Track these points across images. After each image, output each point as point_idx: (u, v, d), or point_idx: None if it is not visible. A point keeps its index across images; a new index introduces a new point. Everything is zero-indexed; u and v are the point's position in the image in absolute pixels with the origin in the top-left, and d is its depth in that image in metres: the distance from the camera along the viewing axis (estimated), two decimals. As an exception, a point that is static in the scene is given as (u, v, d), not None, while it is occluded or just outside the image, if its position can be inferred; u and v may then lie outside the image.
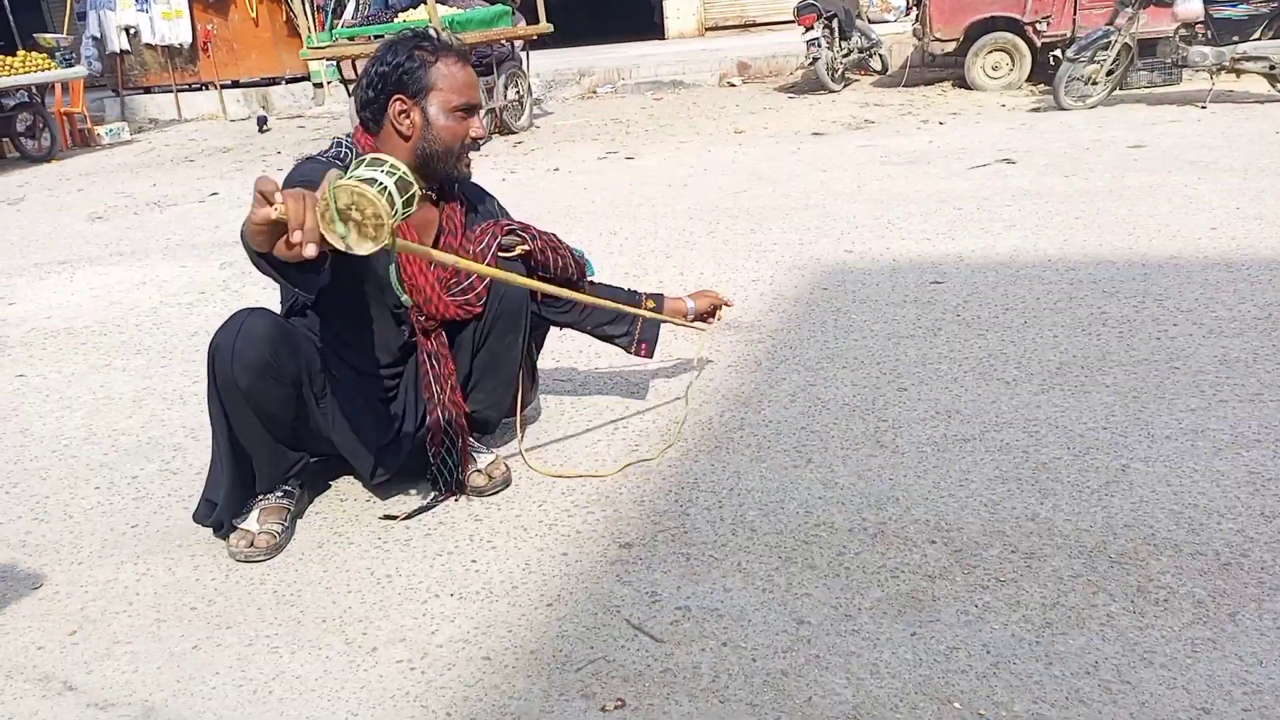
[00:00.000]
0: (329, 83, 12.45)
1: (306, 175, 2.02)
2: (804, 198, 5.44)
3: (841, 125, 8.13)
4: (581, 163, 7.36)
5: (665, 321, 2.64)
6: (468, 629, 1.86)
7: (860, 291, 3.72)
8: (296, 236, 1.49)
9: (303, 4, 8.71)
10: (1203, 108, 7.21)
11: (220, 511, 2.19)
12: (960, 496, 2.20)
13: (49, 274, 5.28)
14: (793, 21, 10.23)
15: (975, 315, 3.34)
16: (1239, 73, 7.22)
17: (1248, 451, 2.28)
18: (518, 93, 9.32)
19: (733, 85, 11.64)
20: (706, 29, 16.58)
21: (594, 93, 12.11)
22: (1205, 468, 2.23)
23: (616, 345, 2.69)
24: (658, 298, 2.67)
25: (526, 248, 2.31)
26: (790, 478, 2.36)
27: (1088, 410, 2.56)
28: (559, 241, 2.42)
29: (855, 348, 3.13)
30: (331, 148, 2.21)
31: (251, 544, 2.14)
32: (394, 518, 2.28)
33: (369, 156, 1.63)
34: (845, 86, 10.35)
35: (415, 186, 1.61)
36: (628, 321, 2.61)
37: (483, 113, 2.30)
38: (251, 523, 2.17)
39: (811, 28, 9.77)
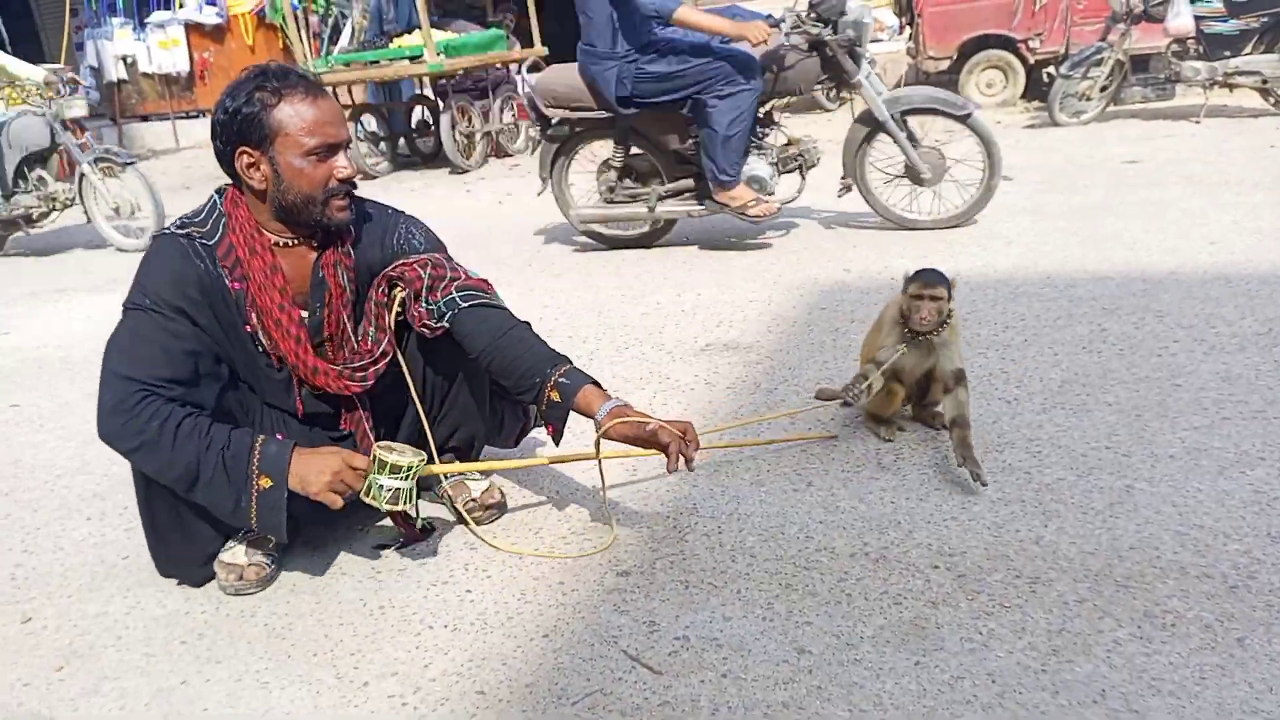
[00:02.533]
0: (326, 108, 12.47)
1: (163, 276, 1.94)
2: (799, 216, 5.42)
3: (836, 143, 8.11)
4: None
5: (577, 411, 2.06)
6: (461, 662, 1.82)
7: (859, 311, 3.70)
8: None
9: (298, 30, 8.75)
10: (1197, 122, 7.22)
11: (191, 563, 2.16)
12: (963, 520, 2.16)
13: (45, 303, 5.26)
14: (787, 41, 10.26)
15: (975, 333, 3.32)
16: (1232, 87, 7.23)
17: (1252, 470, 2.25)
18: (513, 116, 9.35)
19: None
20: (702, 50, 16.62)
21: (590, 114, 12.12)
22: (1210, 487, 2.20)
23: (522, 403, 2.36)
24: (567, 385, 2.01)
25: (402, 293, 2.12)
26: (790, 502, 2.32)
27: (1090, 429, 2.53)
28: (458, 270, 2.16)
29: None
30: (200, 212, 2.05)
31: (241, 576, 2.11)
32: (386, 547, 2.25)
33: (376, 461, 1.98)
34: (841, 105, 10.37)
35: (415, 462, 2.01)
36: (534, 386, 2.06)
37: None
38: (239, 555, 2.13)
39: (806, 48, 9.80)
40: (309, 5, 12.58)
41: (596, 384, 2.04)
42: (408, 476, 1.99)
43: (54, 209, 6.50)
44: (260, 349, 2.07)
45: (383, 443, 2.04)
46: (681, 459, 1.94)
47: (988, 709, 1.59)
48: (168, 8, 12.96)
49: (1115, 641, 1.72)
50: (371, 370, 2.13)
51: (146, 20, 12.81)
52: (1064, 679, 1.64)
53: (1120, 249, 4.13)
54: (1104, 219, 4.67)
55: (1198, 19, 7.05)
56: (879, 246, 4.59)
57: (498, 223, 6.17)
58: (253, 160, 1.95)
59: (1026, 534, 2.08)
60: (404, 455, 1.98)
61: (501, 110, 9.05)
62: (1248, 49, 7.05)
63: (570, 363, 2.08)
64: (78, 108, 6.61)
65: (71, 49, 13.54)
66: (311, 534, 2.35)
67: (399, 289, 2.12)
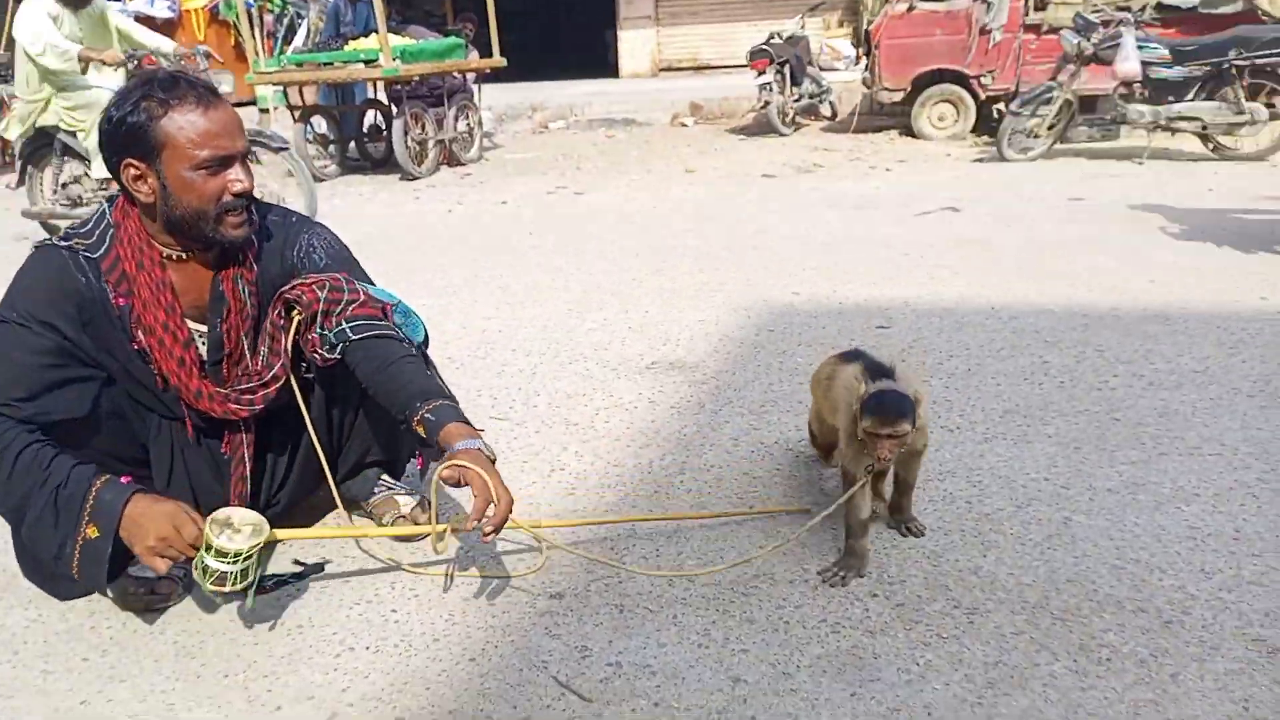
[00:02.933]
0: (275, 108, 12.26)
1: (37, 289, 1.84)
2: (752, 239, 5.43)
3: (791, 168, 8.20)
4: (530, 197, 7.30)
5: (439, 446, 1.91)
6: (382, 686, 1.74)
7: (806, 334, 3.69)
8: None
9: (251, 29, 8.58)
10: (1140, 163, 7.40)
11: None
12: (903, 548, 2.14)
13: None
14: (745, 65, 10.35)
15: (920, 361, 3.32)
16: (1174, 131, 7.44)
17: (1187, 506, 2.26)
18: (468, 125, 9.27)
19: (685, 125, 11.71)
20: (660, 69, 16.75)
21: (546, 127, 12.10)
22: (1146, 522, 2.20)
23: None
24: (432, 421, 1.88)
25: (300, 316, 2.00)
26: (730, 525, 2.28)
27: (1030, 460, 2.53)
28: (356, 292, 2.03)
29: (800, 391, 3.08)
30: (88, 223, 1.95)
31: (152, 591, 1.99)
32: (306, 566, 2.14)
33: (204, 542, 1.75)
34: (795, 130, 10.47)
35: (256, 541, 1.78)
36: (406, 419, 1.95)
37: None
38: (149, 569, 2.01)
39: (764, 72, 9.89)
40: (264, 4, 12.41)
41: (466, 423, 1.91)
42: (237, 560, 1.76)
43: None
44: (150, 366, 1.95)
45: (223, 512, 1.80)
46: (485, 522, 1.80)
47: (922, 744, 1.56)
48: (117, -1, 12.67)
49: (1051, 675, 1.70)
50: (260, 394, 2.00)
51: (94, 11, 12.48)
52: (1000, 712, 1.61)
53: (1063, 284, 4.19)
54: (1047, 254, 4.74)
55: (1144, 64, 7.24)
56: (828, 271, 4.60)
57: (446, 231, 6.08)
58: (139, 173, 1.83)
59: (965, 564, 2.06)
60: (236, 539, 1.75)
61: (456, 118, 8.96)
62: (1190, 95, 7.26)
63: (446, 399, 1.96)
64: (225, 83, 5.95)
65: (10, 38, 13.15)
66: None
67: (296, 311, 1.99)
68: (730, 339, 3.69)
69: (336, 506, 2.17)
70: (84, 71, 5.57)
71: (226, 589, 1.76)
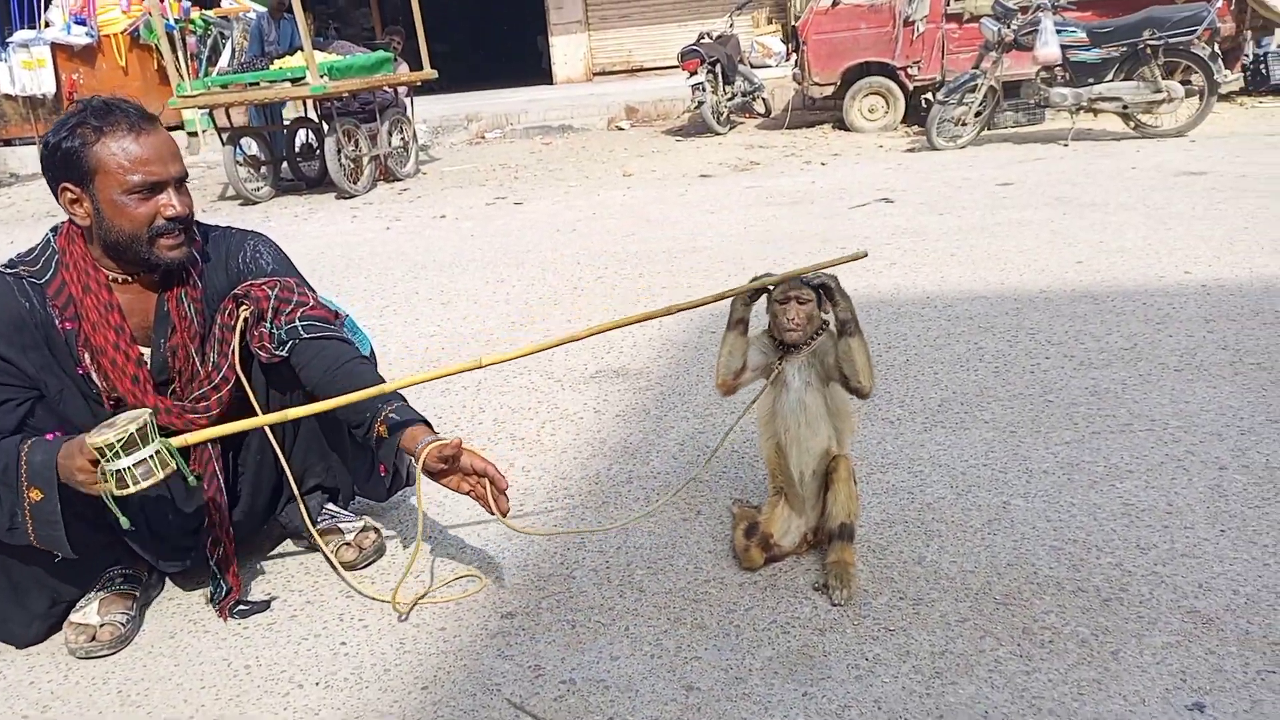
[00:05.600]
0: (204, 131, 12.04)
1: None
2: (692, 240, 5.46)
3: (728, 167, 8.26)
4: (469, 209, 7.25)
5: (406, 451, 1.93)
6: (333, 721, 1.72)
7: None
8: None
9: (173, 51, 8.41)
10: (1065, 145, 7.58)
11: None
12: (848, 543, 2.17)
13: None
14: (678, 66, 10.40)
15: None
16: (1096, 112, 7.64)
17: (1121, 483, 2.33)
18: (402, 139, 9.18)
19: (621, 129, 11.73)
20: (594, 74, 16.75)
21: (482, 138, 12.04)
22: (1082, 501, 2.26)
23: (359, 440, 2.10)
24: (396, 420, 1.91)
25: (247, 312, 2.00)
26: (679, 532, 2.29)
27: (968, 447, 2.58)
28: (306, 295, 2.08)
29: (744, 393, 3.09)
30: (34, 250, 1.97)
31: (93, 638, 1.95)
32: (251, 603, 2.11)
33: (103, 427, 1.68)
34: (731, 129, 10.55)
35: (142, 423, 1.68)
36: (364, 421, 1.96)
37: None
38: (91, 615, 1.98)
39: (695, 72, 9.95)
40: (186, 26, 12.15)
41: (427, 423, 1.95)
42: (121, 453, 1.66)
43: None
44: (95, 391, 1.95)
45: (104, 424, 1.71)
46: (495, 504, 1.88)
47: (874, 738, 1.58)
48: (32, 26, 12.33)
49: (996, 661, 1.74)
50: (214, 398, 2.01)
51: (9, 39, 12.13)
52: (948, 702, 1.64)
53: (994, 269, 4.27)
54: (979, 240, 4.83)
55: (1064, 48, 7.42)
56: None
57: (385, 248, 6.01)
58: (75, 197, 1.89)
59: (909, 554, 2.10)
60: (113, 428, 1.65)
61: (390, 133, 8.87)
62: (1109, 76, 7.46)
63: (404, 400, 1.98)
64: None
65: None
66: (170, 588, 2.21)
67: (244, 308, 2.01)
68: (673, 343, 3.71)
69: (282, 540, 2.14)
70: None
71: (132, 488, 1.68)
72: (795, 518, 2.07)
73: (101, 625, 1.97)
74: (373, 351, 2.26)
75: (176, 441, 1.76)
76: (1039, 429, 2.65)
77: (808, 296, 1.98)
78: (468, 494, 1.91)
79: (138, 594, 2.08)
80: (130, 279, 1.99)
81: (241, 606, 2.08)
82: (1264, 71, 9.20)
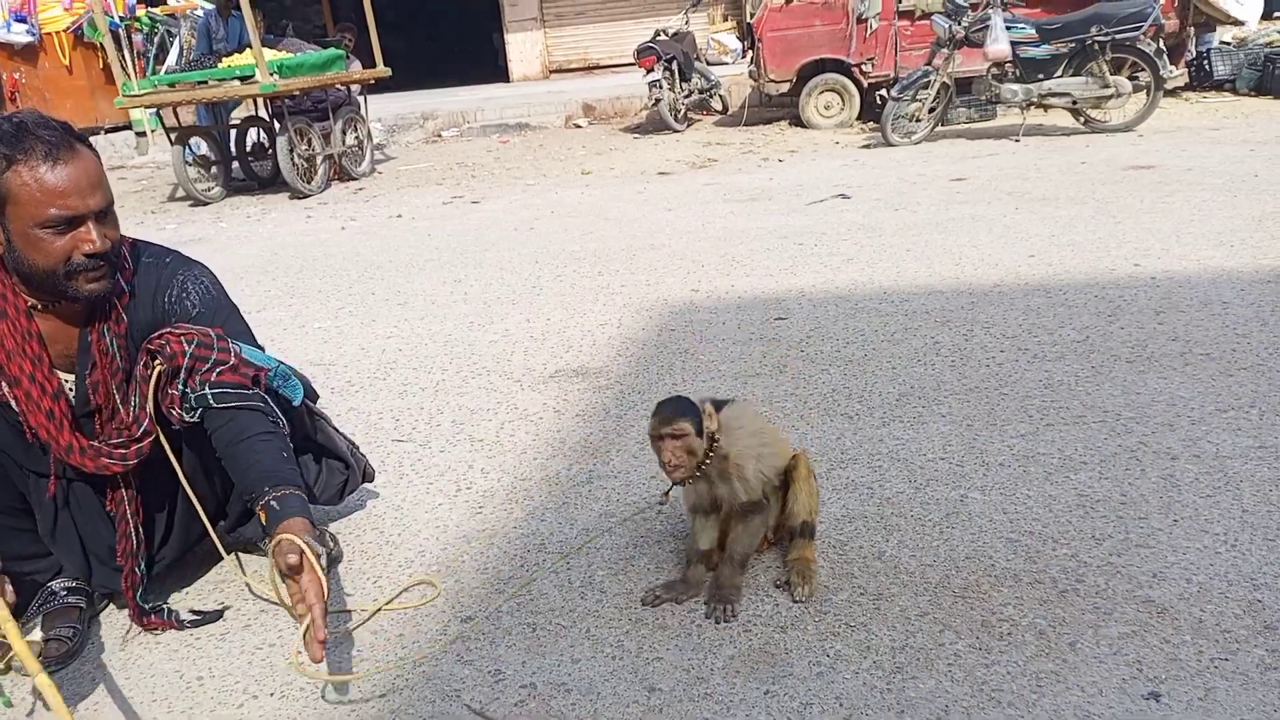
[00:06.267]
0: (152, 131, 11.80)
1: None
2: (650, 238, 5.45)
3: (686, 164, 8.26)
4: (425, 208, 7.18)
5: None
6: (288, 734, 1.68)
7: (707, 330, 3.72)
8: None
9: (118, 50, 8.22)
10: (1017, 140, 7.69)
11: None
12: (809, 539, 2.17)
13: None
14: (634, 64, 10.39)
15: (818, 350, 3.38)
16: (1046, 108, 7.75)
17: (1075, 474, 2.35)
18: (357, 138, 9.07)
19: (579, 126, 11.70)
20: (551, 71, 16.69)
21: (438, 136, 11.93)
22: (1038, 493, 2.28)
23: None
24: (281, 507, 1.78)
25: (161, 367, 1.87)
26: (640, 531, 2.28)
27: (926, 441, 2.60)
28: (226, 352, 1.92)
29: (704, 389, 3.10)
30: None
31: (39, 655, 1.89)
32: (203, 614, 2.06)
33: None
34: (688, 126, 10.56)
35: None
36: (251, 501, 1.87)
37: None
38: (36, 630, 1.92)
39: (652, 69, 9.95)
40: (132, 24, 11.89)
41: (310, 520, 1.80)
42: None
43: None
44: (15, 419, 1.85)
45: None
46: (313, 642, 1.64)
47: (836, 735, 1.58)
48: (-31, 24, 11.97)
49: (955, 654, 1.74)
50: (133, 449, 1.90)
51: (-55, 37, 11.78)
52: (908, 697, 1.65)
53: (949, 263, 4.32)
54: (934, 235, 4.88)
55: (1014, 44, 7.52)
56: (726, 266, 4.65)
57: (340, 249, 5.93)
58: None
59: (869, 550, 2.11)
60: None
61: (343, 132, 8.76)
62: (1059, 72, 7.58)
63: (296, 487, 1.84)
64: None
65: None
66: (119, 599, 2.15)
67: (159, 362, 1.88)
68: (633, 341, 3.70)
69: (224, 557, 2.09)
70: None
71: None
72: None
73: (47, 641, 1.92)
74: (311, 391, 2.18)
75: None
76: (995, 422, 2.68)
77: (681, 430, 1.82)
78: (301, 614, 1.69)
79: (84, 606, 2.02)
80: (52, 306, 1.86)
81: (194, 616, 2.03)
82: (1207, 67, 9.40)
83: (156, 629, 2.00)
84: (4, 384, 1.83)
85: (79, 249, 1.75)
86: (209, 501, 2.11)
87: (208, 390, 1.87)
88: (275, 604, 2.09)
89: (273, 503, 1.78)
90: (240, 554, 2.32)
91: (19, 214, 1.71)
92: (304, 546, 1.68)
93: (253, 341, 2.05)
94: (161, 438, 1.93)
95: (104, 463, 1.88)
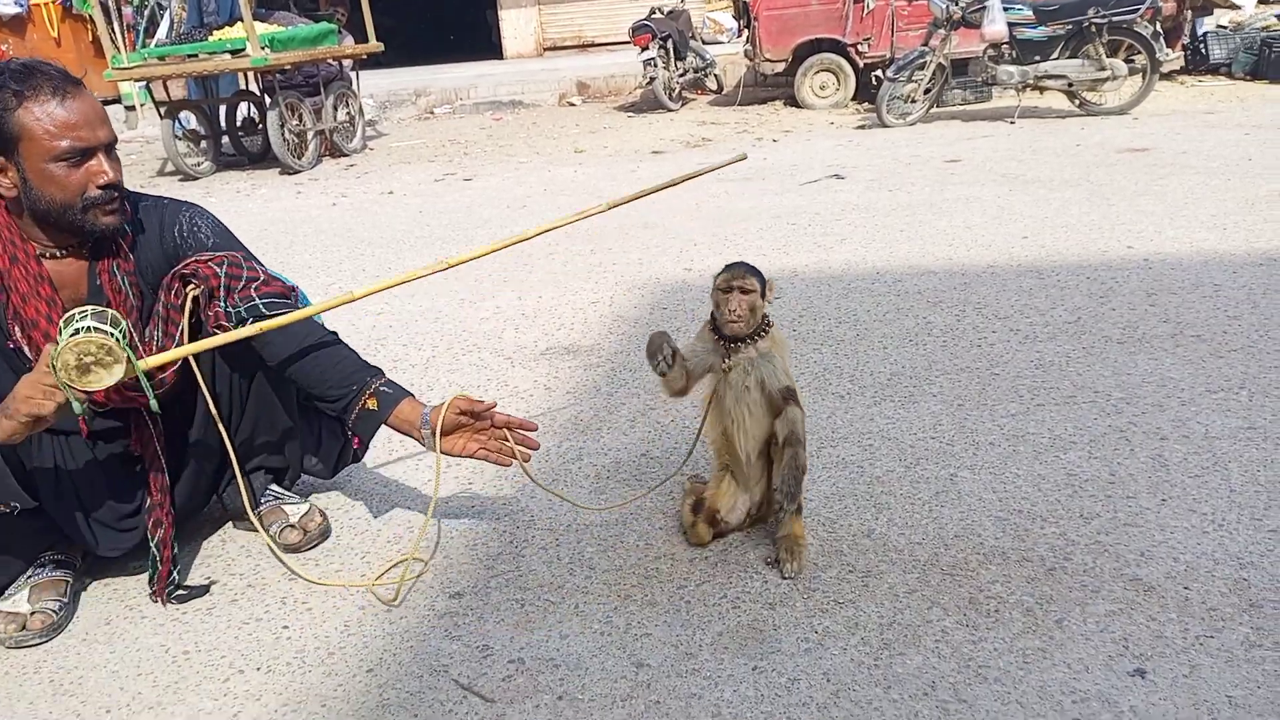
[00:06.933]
0: (142, 105, 11.68)
1: None
2: (643, 216, 5.41)
3: (680, 143, 8.22)
4: (417, 185, 7.13)
5: (393, 427, 1.97)
6: (275, 707, 1.68)
7: (700, 310, 3.70)
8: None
9: (108, 22, 8.12)
10: (1012, 123, 7.66)
11: None
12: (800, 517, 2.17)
13: None
14: (629, 42, 10.32)
15: (811, 329, 3.38)
16: (1042, 90, 7.73)
17: (1065, 454, 2.36)
18: (348, 114, 8.99)
19: (573, 105, 11.62)
20: (545, 49, 16.56)
21: (431, 113, 11.85)
22: (1027, 472, 2.29)
23: (330, 413, 2.05)
24: (388, 394, 1.95)
25: (195, 291, 1.92)
26: (630, 508, 2.28)
27: (917, 420, 2.60)
28: (256, 270, 2.01)
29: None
30: None
31: (24, 626, 1.89)
32: (190, 588, 2.05)
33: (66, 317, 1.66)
34: (683, 105, 10.50)
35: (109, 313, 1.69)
36: (347, 394, 1.96)
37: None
38: (21, 602, 1.91)
39: (647, 48, 9.88)
40: (121, -5, 11.75)
41: (415, 399, 1.96)
42: (93, 330, 1.64)
43: None
44: (27, 365, 1.85)
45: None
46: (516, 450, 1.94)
47: (823, 709, 1.58)
48: (-45, -5, 11.82)
49: (943, 630, 1.75)
50: (157, 379, 1.91)
51: (-69, 8, 11.64)
52: (895, 672, 1.65)
53: (943, 244, 4.31)
54: (928, 216, 4.87)
55: (1011, 25, 7.49)
56: (719, 245, 4.63)
57: (330, 225, 5.89)
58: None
59: (859, 527, 2.11)
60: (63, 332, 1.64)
61: (335, 108, 8.68)
62: (1055, 54, 7.55)
63: (387, 378, 1.98)
64: None
65: None
66: (105, 573, 2.14)
67: (192, 286, 1.93)
68: (624, 319, 3.68)
69: (224, 523, 2.09)
70: None
71: (92, 373, 1.66)
72: (741, 493, 2.07)
73: (33, 613, 1.91)
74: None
75: (146, 363, 1.76)
76: (985, 402, 2.68)
77: (751, 286, 1.92)
78: (474, 455, 1.93)
79: (70, 580, 2.01)
80: (60, 253, 1.90)
81: (180, 591, 2.03)
82: (1203, 51, 9.38)
83: (157, 597, 2.00)
84: (18, 329, 1.85)
85: (93, 181, 1.80)
86: (211, 465, 2.11)
87: (258, 300, 1.94)
88: (294, 574, 2.08)
89: (383, 388, 1.94)
90: (235, 522, 2.32)
91: (34, 150, 1.75)
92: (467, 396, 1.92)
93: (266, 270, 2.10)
94: (194, 365, 1.93)
95: (129, 396, 1.88)
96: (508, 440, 1.96)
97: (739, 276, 1.92)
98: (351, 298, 2.00)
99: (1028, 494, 2.19)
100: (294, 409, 2.16)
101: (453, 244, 5.15)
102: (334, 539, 2.25)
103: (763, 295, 1.94)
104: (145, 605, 2.02)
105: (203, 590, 2.04)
